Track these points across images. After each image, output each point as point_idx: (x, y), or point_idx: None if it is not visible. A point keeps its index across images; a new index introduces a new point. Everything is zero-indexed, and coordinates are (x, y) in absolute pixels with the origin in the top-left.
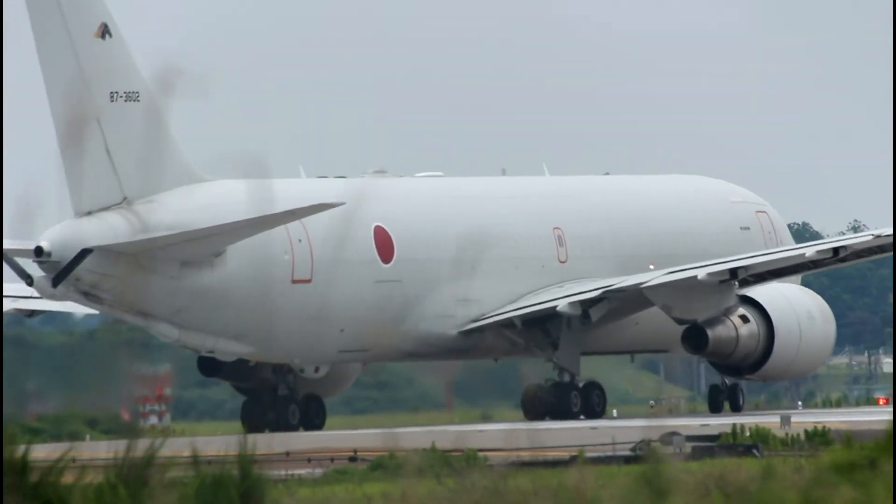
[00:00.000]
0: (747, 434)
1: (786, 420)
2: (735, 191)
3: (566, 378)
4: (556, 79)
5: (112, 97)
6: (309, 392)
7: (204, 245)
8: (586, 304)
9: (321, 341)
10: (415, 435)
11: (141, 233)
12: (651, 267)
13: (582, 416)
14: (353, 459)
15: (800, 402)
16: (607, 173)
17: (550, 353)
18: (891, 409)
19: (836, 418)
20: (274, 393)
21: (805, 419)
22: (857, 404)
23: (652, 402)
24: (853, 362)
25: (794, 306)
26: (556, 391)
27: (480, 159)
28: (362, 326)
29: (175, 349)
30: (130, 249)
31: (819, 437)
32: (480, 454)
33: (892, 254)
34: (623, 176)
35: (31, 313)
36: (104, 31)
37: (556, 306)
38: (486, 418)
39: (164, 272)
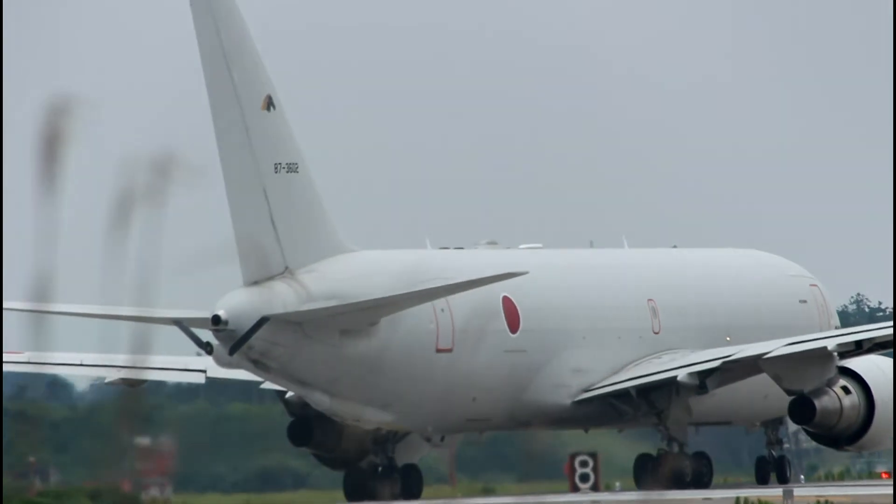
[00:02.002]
0: None
1: (788, 494)
2: (789, 265)
3: (675, 448)
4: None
5: (276, 168)
6: (406, 462)
7: (367, 314)
8: (704, 375)
9: (454, 410)
10: None
11: (307, 302)
12: (727, 339)
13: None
14: None
15: (802, 476)
16: (675, 246)
17: (655, 423)
18: (891, 482)
19: (839, 492)
20: (375, 465)
21: (808, 493)
22: (860, 478)
23: None
24: None
25: (888, 377)
26: (672, 461)
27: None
28: (492, 396)
29: (178, 421)
30: (306, 318)
31: None
32: None
33: None
34: (689, 249)
35: (135, 384)
36: (269, 104)
37: (675, 376)
38: (487, 492)
39: (326, 341)
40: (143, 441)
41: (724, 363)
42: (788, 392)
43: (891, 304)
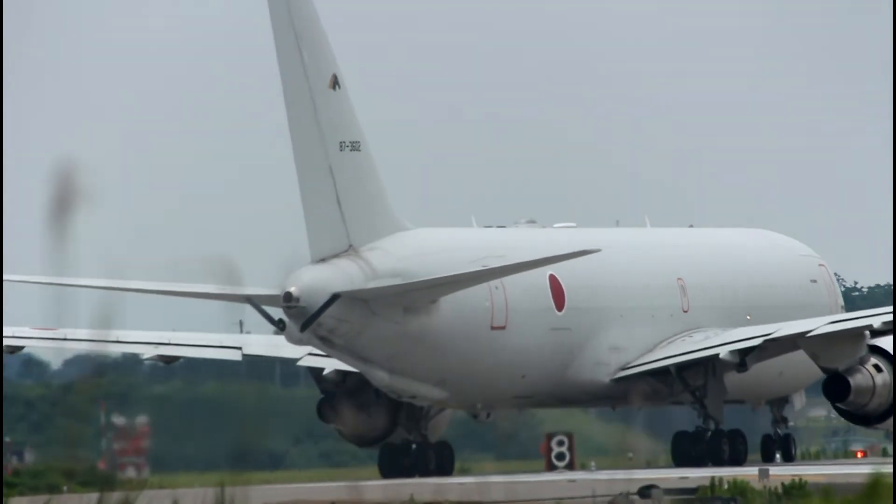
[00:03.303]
0: (725, 487)
1: (764, 473)
2: (798, 245)
3: (711, 426)
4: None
5: (341, 146)
6: (440, 440)
7: (431, 292)
8: (745, 352)
9: (504, 387)
10: (392, 487)
11: (372, 279)
12: (748, 317)
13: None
14: None
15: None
16: (691, 225)
17: (689, 400)
18: (868, 461)
19: (814, 471)
20: (409, 441)
21: (783, 472)
22: (836, 457)
23: (630, 454)
24: (831, 415)
25: None
26: (710, 438)
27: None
28: (539, 373)
29: (153, 400)
30: (374, 295)
31: (797, 490)
32: None
33: None
34: (706, 228)
35: (170, 360)
36: (335, 83)
37: (717, 353)
38: (464, 471)
39: (391, 318)
40: (119, 420)
41: (765, 341)
42: (824, 370)
43: (867, 283)
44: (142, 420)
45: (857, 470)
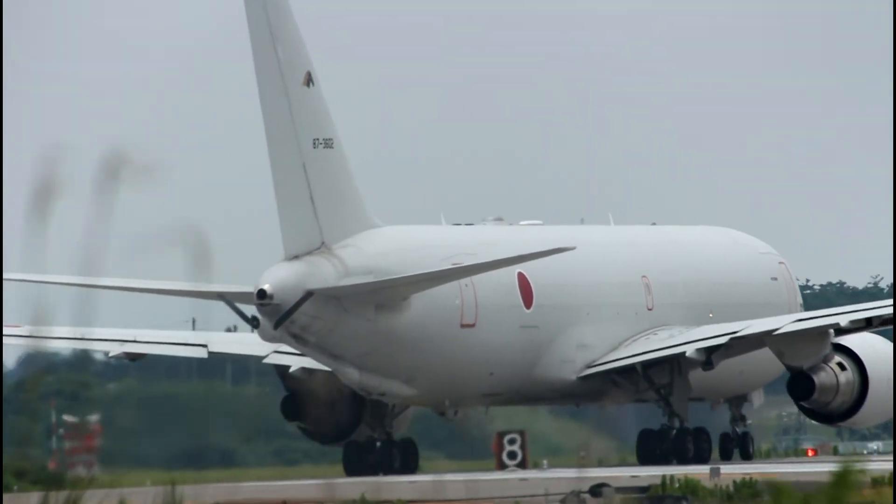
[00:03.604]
0: (677, 486)
1: (715, 472)
2: (759, 242)
3: (676, 423)
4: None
5: (314, 144)
6: (403, 437)
7: (403, 289)
8: (711, 350)
9: (472, 384)
10: (346, 486)
11: (345, 276)
12: (710, 315)
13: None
14: None
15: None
16: (654, 223)
17: (654, 398)
18: (820, 460)
19: (765, 469)
20: (373, 439)
21: (734, 470)
22: (786, 455)
23: (582, 452)
24: (782, 413)
25: (881, 354)
26: (675, 437)
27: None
28: (507, 371)
29: (104, 398)
30: (347, 293)
31: (748, 489)
32: None
33: None
34: (668, 226)
35: (135, 357)
36: (309, 80)
37: (684, 351)
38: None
39: (363, 315)
40: (70, 419)
41: (731, 339)
42: (789, 368)
43: (818, 281)
44: (93, 418)
45: (809, 469)
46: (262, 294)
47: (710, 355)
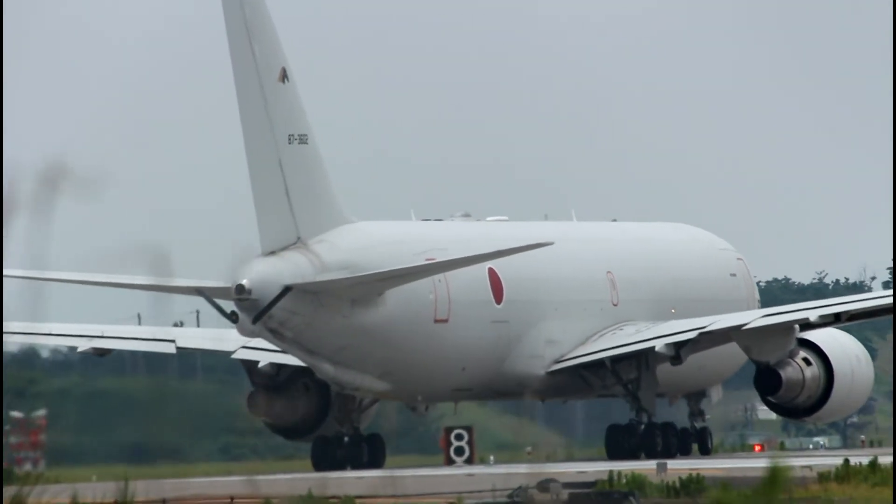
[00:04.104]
0: (624, 481)
1: (662, 467)
2: (717, 239)
3: (644, 418)
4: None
5: (290, 139)
6: (371, 433)
7: (379, 284)
8: (679, 345)
9: (444, 379)
10: (291, 482)
11: (322, 272)
12: (672, 311)
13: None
14: None
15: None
16: (615, 219)
17: (622, 393)
18: (768, 455)
19: (712, 465)
20: (341, 434)
21: (681, 466)
22: (733, 451)
23: (529, 448)
24: (729, 409)
25: (846, 350)
26: (644, 431)
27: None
28: (479, 366)
29: (52, 394)
30: (324, 288)
31: (694, 485)
32: (358, 501)
33: None
34: (629, 222)
35: (103, 352)
36: (284, 76)
37: (653, 346)
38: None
39: (338, 310)
40: (17, 415)
41: (700, 334)
42: (756, 363)
43: (764, 277)
44: (39, 414)
45: (755, 464)
46: (240, 289)
47: (679, 350)
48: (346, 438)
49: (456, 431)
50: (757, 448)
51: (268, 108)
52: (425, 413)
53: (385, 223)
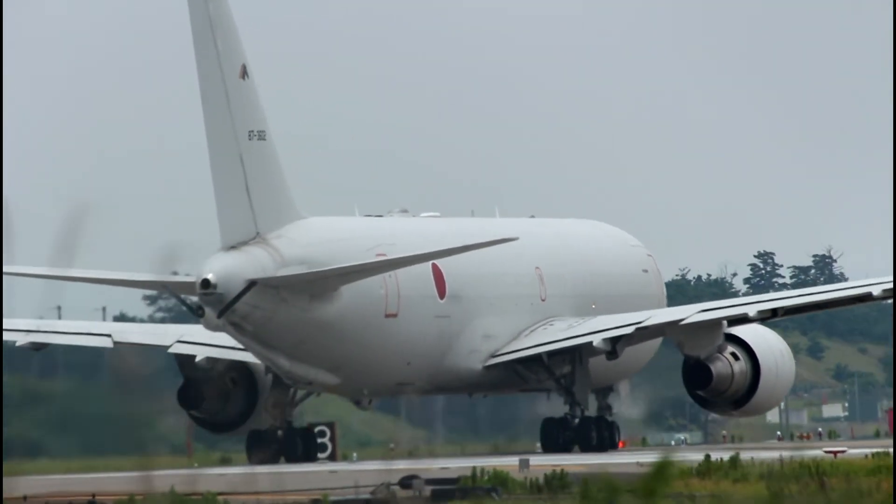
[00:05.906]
0: (486, 477)
1: (524, 463)
2: (627, 235)
3: (578, 412)
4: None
5: (250, 136)
6: (302, 426)
7: (339, 279)
8: (615, 340)
9: (390, 374)
10: (153, 478)
11: (282, 266)
12: (593, 306)
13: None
14: (91, 503)
15: (538, 444)
16: (532, 216)
17: (556, 388)
18: (628, 451)
19: (575, 461)
20: (276, 428)
21: (544, 462)
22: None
23: (392, 444)
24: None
25: (771, 345)
26: (578, 425)
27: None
28: (422, 360)
29: None
30: (287, 283)
31: (557, 481)
32: (220, 498)
33: None
34: (546, 218)
35: (40, 347)
36: (244, 73)
37: (591, 341)
38: (224, 461)
39: (298, 304)
40: None
41: (636, 329)
42: (688, 358)
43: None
44: None
45: (618, 460)
46: (206, 283)
47: (615, 345)
48: (279, 432)
49: (318, 427)
50: (620, 444)
51: (230, 104)
52: (369, 407)
53: (335, 219)
